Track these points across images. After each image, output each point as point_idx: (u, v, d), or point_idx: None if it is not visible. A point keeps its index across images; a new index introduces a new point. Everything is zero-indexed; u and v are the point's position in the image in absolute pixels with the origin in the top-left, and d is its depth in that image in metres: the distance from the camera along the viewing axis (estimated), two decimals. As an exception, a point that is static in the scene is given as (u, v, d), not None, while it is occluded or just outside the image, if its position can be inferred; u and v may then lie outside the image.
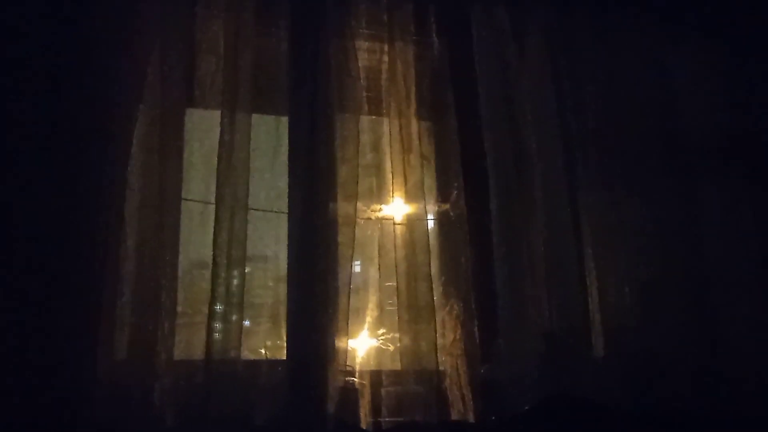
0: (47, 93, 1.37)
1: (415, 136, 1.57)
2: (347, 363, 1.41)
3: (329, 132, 1.50)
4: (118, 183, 1.38)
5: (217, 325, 1.37)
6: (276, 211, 1.50)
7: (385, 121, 1.59)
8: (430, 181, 1.59)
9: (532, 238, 1.57)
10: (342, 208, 1.48)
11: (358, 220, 1.50)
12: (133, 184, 1.40)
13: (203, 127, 1.51)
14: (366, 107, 1.59)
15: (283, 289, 1.45)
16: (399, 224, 1.54)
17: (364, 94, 1.58)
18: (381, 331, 1.51)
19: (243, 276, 1.40)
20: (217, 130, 1.46)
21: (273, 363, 1.42)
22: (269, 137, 1.54)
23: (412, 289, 1.49)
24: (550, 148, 1.62)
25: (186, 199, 1.45)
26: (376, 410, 1.41)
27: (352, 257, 1.45)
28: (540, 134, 1.63)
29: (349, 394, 1.39)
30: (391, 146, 1.56)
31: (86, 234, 1.33)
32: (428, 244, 1.51)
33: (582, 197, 1.62)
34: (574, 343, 1.50)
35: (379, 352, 1.50)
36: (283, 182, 1.50)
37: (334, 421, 1.35)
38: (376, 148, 1.60)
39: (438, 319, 1.47)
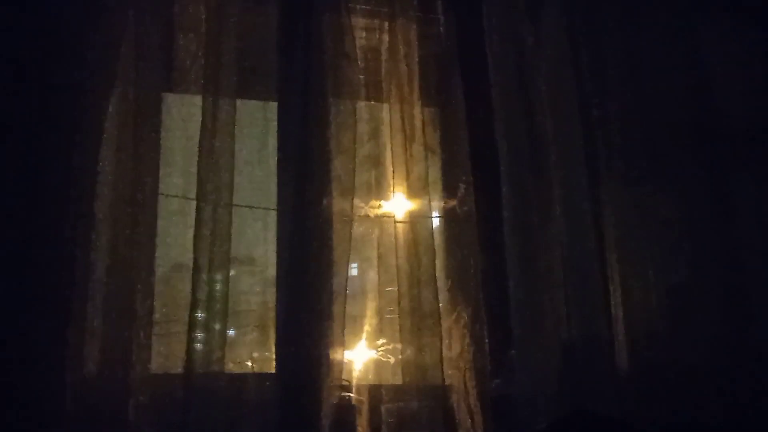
0: (6, 78, 1.35)
1: (418, 124, 1.56)
2: (343, 377, 1.41)
3: (323, 120, 1.48)
4: (88, 177, 1.37)
5: (199, 335, 1.36)
6: (264, 208, 1.49)
7: (385, 107, 1.58)
8: (435, 175, 1.58)
9: (549, 238, 1.56)
10: (337, 204, 1.46)
11: (355, 217, 1.49)
12: (105, 178, 1.39)
13: (183, 115, 1.50)
14: (364, 92, 1.58)
15: (271, 295, 1.45)
16: (400, 222, 1.53)
17: (362, 77, 1.57)
18: (380, 341, 1.50)
19: (227, 280, 1.39)
20: (198, 117, 1.44)
21: (260, 377, 1.41)
22: (256, 125, 1.53)
23: (415, 294, 1.47)
24: (570, 138, 1.60)
25: (163, 195, 1.44)
26: (375, 429, 1.41)
27: (348, 259, 1.44)
28: (558, 123, 1.61)
29: (346, 411, 1.38)
30: (391, 135, 1.55)
31: (52, 234, 1.31)
32: (433, 245, 1.49)
33: (605, 192, 1.60)
34: (595, 355, 1.49)
35: (379, 364, 1.50)
36: (271, 175, 1.49)
37: (328, 440, 1.35)
38: (375, 137, 1.59)
39: (444, 328, 1.46)
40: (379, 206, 1.56)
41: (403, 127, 1.55)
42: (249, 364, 1.45)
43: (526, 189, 1.57)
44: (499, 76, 1.61)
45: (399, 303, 1.47)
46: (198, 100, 1.46)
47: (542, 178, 1.59)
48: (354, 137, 1.50)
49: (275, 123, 1.52)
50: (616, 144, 1.62)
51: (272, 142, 1.51)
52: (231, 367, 1.40)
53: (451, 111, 1.60)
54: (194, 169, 1.42)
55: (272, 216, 1.48)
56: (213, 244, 1.40)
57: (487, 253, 1.54)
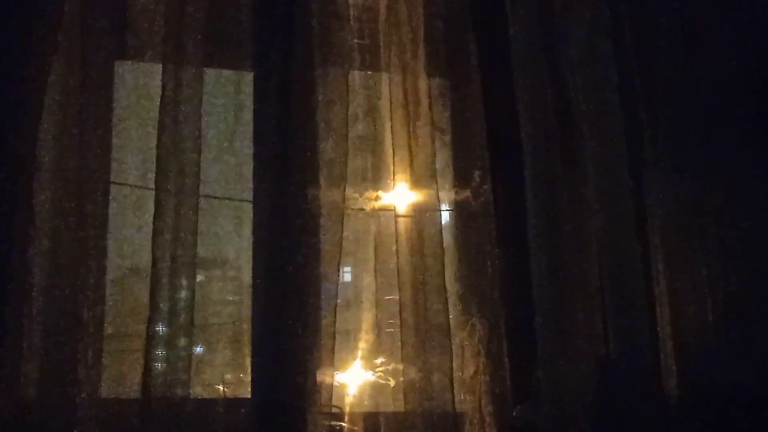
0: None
1: (424, 98, 1.54)
2: (333, 403, 1.40)
3: (308, 94, 1.47)
4: (26, 162, 1.34)
5: (159, 352, 1.33)
6: (237, 200, 1.47)
7: (384, 77, 1.56)
8: (444, 160, 1.57)
9: (583, 237, 1.53)
10: (326, 195, 1.45)
11: (348, 211, 1.47)
12: (46, 163, 1.37)
13: (139, 88, 1.48)
14: (358, 59, 1.55)
15: (247, 304, 1.43)
16: (402, 217, 1.51)
17: (356, 42, 1.55)
18: (378, 360, 1.49)
19: (193, 286, 1.37)
20: (158, 90, 1.42)
21: (234, 403, 1.40)
22: (228, 100, 1.51)
23: (421, 303, 1.46)
24: (607, 119, 1.56)
25: (116, 183, 1.43)
26: (371, 465, 1.43)
27: (339, 261, 1.42)
28: (593, 100, 1.57)
29: (336, 444, 1.40)
30: (392, 112, 1.53)
31: (-18, 231, 1.32)
32: (442, 244, 1.47)
33: (649, 185, 1.60)
34: (638, 378, 1.46)
35: (376, 388, 1.49)
36: (246, 160, 1.47)
37: (316, 479, 1.37)
38: (372, 114, 1.56)
39: (455, 343, 1.46)
40: (377, 198, 1.54)
41: (405, 103, 1.53)
42: (220, 387, 1.44)
43: (555, 177, 1.54)
44: (521, 41, 1.59)
45: (401, 314, 1.46)
46: (157, 69, 1.44)
47: (574, 166, 1.56)
48: (346, 114, 1.48)
49: (251, 97, 1.50)
50: (664, 127, 1.61)
51: (247, 120, 1.50)
52: (198, 391, 1.39)
53: (463, 83, 1.59)
54: (153, 153, 1.39)
55: (247, 209, 1.46)
56: (176, 242, 1.37)
57: (507, 254, 1.53)
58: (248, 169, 1.46)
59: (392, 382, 1.47)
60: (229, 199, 1.48)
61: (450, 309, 1.45)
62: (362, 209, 1.53)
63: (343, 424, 1.41)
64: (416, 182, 1.52)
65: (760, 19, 1.67)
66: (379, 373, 1.48)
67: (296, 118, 1.45)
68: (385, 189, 1.55)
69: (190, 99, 1.43)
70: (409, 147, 1.52)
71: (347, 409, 1.43)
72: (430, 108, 1.54)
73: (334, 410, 1.39)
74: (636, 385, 1.45)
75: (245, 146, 1.48)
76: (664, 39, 1.64)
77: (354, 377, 1.47)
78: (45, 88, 1.37)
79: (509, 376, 1.46)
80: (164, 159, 1.39)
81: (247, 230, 1.45)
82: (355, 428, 1.41)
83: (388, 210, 1.53)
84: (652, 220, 1.58)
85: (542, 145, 1.54)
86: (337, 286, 1.41)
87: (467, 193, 1.56)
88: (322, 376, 1.37)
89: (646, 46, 1.64)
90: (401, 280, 1.46)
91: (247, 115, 1.50)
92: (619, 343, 1.47)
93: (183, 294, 1.36)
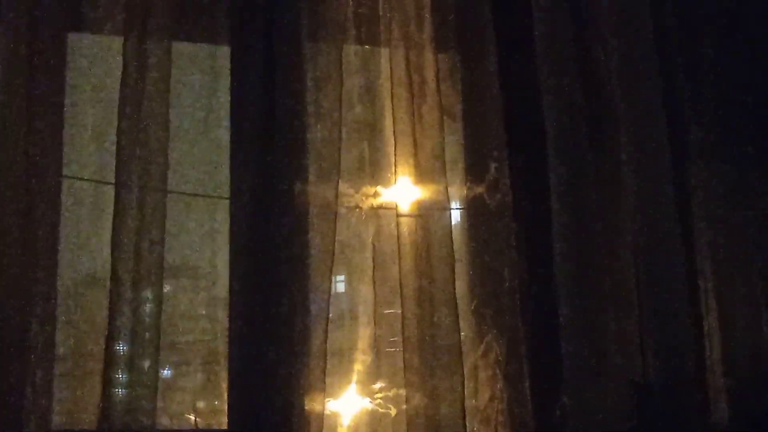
0: None
1: (430, 77, 1.51)
2: None
3: (295, 72, 1.44)
4: None
5: (120, 376, 1.31)
6: (212, 196, 1.46)
7: (384, 53, 1.54)
8: (454, 149, 1.55)
9: (617, 239, 1.52)
10: (316, 190, 1.43)
11: (342, 209, 1.45)
12: None
13: (96, 64, 1.46)
14: (353, 32, 1.54)
15: (223, 320, 1.41)
16: (405, 216, 1.48)
17: (351, 11, 1.54)
18: (377, 384, 1.46)
19: (160, 298, 1.36)
20: (118, 67, 1.40)
21: None
22: (201, 79, 1.50)
23: (427, 318, 1.43)
24: (645, 101, 1.55)
25: (69, 177, 1.42)
26: (370, 507, 1.43)
27: (331, 268, 1.39)
28: (629, 79, 1.55)
29: (329, 482, 1.39)
30: (393, 93, 1.49)
31: None
32: (452, 249, 1.45)
33: (694, 178, 1.58)
34: (681, 402, 1.45)
35: (375, 417, 1.47)
36: (222, 150, 1.46)
37: None
38: (370, 96, 1.55)
39: (467, 365, 1.43)
40: (376, 194, 1.52)
41: (409, 82, 1.51)
42: (191, 417, 1.43)
43: (584, 170, 1.53)
44: (546, 10, 1.57)
45: (403, 331, 1.43)
46: (118, 43, 1.42)
47: (607, 156, 1.56)
48: (339, 96, 1.46)
49: (227, 76, 1.47)
50: (712, 110, 1.60)
51: (223, 103, 1.48)
52: (166, 421, 1.39)
53: (477, 59, 1.57)
54: (113, 141, 1.38)
55: (224, 207, 1.44)
56: (140, 246, 1.35)
57: (528, 261, 1.51)
58: (225, 160, 1.45)
59: (393, 411, 1.46)
60: (202, 195, 1.47)
61: (461, 325, 1.43)
62: (358, 207, 1.51)
63: (337, 460, 1.41)
64: (421, 176, 1.50)
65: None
66: (378, 400, 1.47)
67: (281, 101, 1.43)
68: (385, 184, 1.54)
69: (156, 78, 1.41)
70: (413, 134, 1.50)
71: (342, 442, 1.41)
72: (437, 88, 1.52)
73: (326, 443, 1.36)
74: (679, 411, 1.45)
75: (221, 133, 1.48)
76: (712, 5, 1.63)
77: (349, 405, 1.46)
78: (-16, 65, 1.38)
79: (531, 403, 1.45)
80: (126, 149, 1.37)
81: (224, 232, 1.44)
82: (350, 464, 1.41)
83: (389, 208, 1.51)
84: (699, 218, 1.58)
85: (569, 132, 1.53)
86: (328, 298, 1.38)
87: (481, 188, 1.54)
88: (311, 404, 1.35)
89: (691, 16, 1.62)
90: (404, 291, 1.44)
91: (223, 97, 1.48)
92: (659, 363, 1.46)
93: (148, 307, 1.35)
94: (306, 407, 1.33)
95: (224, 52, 1.49)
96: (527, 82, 1.56)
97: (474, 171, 1.55)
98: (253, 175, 1.41)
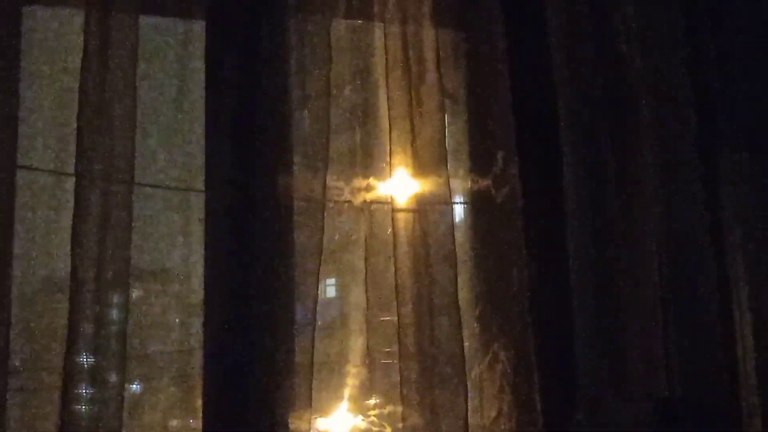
0: None
1: (430, 56, 1.50)
2: None
3: (278, 49, 1.43)
4: None
5: (83, 391, 1.29)
6: (185, 189, 1.45)
7: (378, 29, 1.53)
8: (457, 137, 1.55)
9: (639, 239, 1.50)
10: (302, 183, 1.42)
11: (331, 204, 1.46)
12: None
13: (55, 42, 1.44)
14: (344, 5, 1.53)
15: (198, 328, 1.39)
16: (402, 212, 1.47)
17: None
18: (371, 401, 1.46)
19: (127, 304, 1.34)
20: (78, 44, 1.37)
21: None
22: (172, 59, 1.48)
23: (426, 326, 1.43)
24: (671, 84, 1.54)
25: (24, 168, 1.39)
26: None
27: (318, 270, 1.38)
28: (653, 59, 1.55)
29: None
30: (388, 74, 1.48)
31: None
32: (454, 248, 1.44)
33: (726, 170, 1.58)
34: (710, 420, 1.45)
35: None
36: (196, 138, 1.45)
37: None
38: (363, 77, 1.53)
39: (471, 378, 1.43)
40: (369, 187, 1.51)
41: (406, 61, 1.49)
42: None
43: (602, 160, 1.52)
44: None
45: (399, 340, 1.42)
46: (79, 17, 1.40)
47: (627, 145, 1.54)
48: (328, 77, 1.45)
49: (202, 55, 1.46)
50: (744, 96, 1.60)
51: (198, 84, 1.46)
52: None
53: (483, 35, 1.56)
54: (73, 128, 1.35)
55: (198, 202, 1.43)
56: (104, 246, 1.33)
57: (539, 262, 1.50)
58: (199, 150, 1.44)
59: (389, 430, 1.45)
60: (174, 188, 1.46)
61: (464, 333, 1.43)
62: (349, 202, 1.50)
63: (325, 484, 1.40)
64: (420, 166, 1.49)
65: None
66: (372, 418, 1.46)
67: (262, 83, 1.42)
68: (380, 176, 1.52)
69: (121, 57, 1.38)
70: (411, 120, 1.49)
71: (331, 465, 1.41)
72: (438, 68, 1.51)
73: (313, 466, 1.37)
74: (707, 426, 1.45)
75: (195, 119, 1.46)
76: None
77: (339, 423, 1.46)
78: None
79: (542, 420, 1.44)
80: (87, 136, 1.35)
81: (198, 230, 1.43)
82: (341, 489, 1.40)
83: (384, 203, 1.50)
84: (731, 218, 1.59)
85: (586, 117, 1.53)
86: (315, 304, 1.38)
87: (487, 180, 1.53)
88: (297, 422, 1.34)
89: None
90: (400, 296, 1.43)
91: (198, 78, 1.46)
92: (685, 377, 1.46)
93: (113, 314, 1.34)
94: (291, 426, 1.33)
95: (198, 27, 1.48)
96: (539, 61, 1.55)
97: (479, 161, 1.54)
98: (230, 166, 1.40)
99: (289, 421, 1.33)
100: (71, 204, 1.32)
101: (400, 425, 1.41)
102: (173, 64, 1.49)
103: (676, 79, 1.56)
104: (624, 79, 1.57)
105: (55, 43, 1.45)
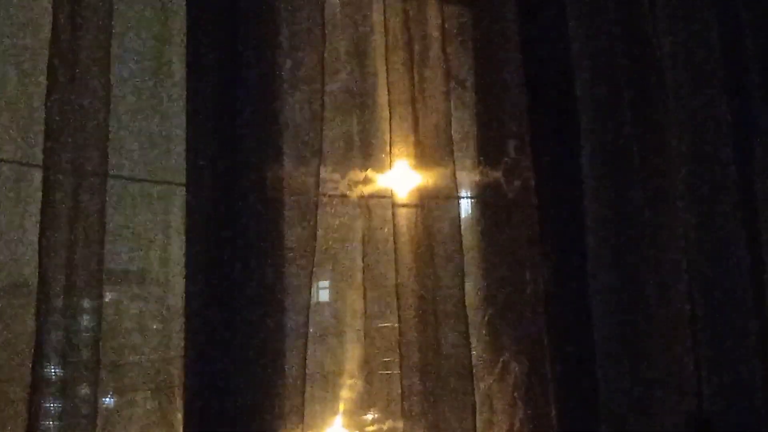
0: None
1: (435, 34, 1.49)
2: None
3: (265, 27, 1.40)
4: None
5: (51, 405, 1.26)
6: (164, 182, 1.42)
7: (378, 3, 1.52)
8: (464, 125, 1.54)
9: (666, 238, 1.50)
10: (292, 175, 1.39)
11: (325, 199, 1.44)
12: None
13: (17, 15, 1.39)
14: None
15: (178, 336, 1.36)
16: (404, 207, 1.47)
17: None
18: (369, 415, 1.46)
19: (100, 310, 1.31)
20: (47, 20, 1.32)
21: None
22: (150, 36, 1.45)
23: (430, 333, 1.42)
24: (702, 64, 1.54)
25: None
26: None
27: (311, 272, 1.36)
28: (682, 37, 1.56)
29: None
30: (387, 53, 1.47)
31: None
32: (460, 247, 1.44)
33: (763, 160, 1.58)
34: None
35: None
36: (175, 125, 1.41)
37: None
38: (360, 57, 1.52)
39: (479, 391, 1.44)
40: (367, 180, 1.50)
41: (408, 40, 1.48)
42: None
43: (625, 150, 1.50)
44: None
45: (400, 349, 1.41)
46: None
47: (653, 133, 1.53)
48: (321, 57, 1.42)
49: (182, 31, 1.40)
50: None
51: (177, 65, 1.42)
52: None
53: (493, 11, 1.56)
54: (40, 114, 1.31)
55: (178, 197, 1.40)
56: (74, 245, 1.29)
57: (554, 262, 1.50)
58: (179, 138, 1.39)
59: None
60: (151, 181, 1.42)
61: (472, 341, 1.43)
62: (345, 196, 1.49)
63: None
64: (423, 157, 1.49)
65: None
66: None
67: (248, 64, 1.38)
68: (379, 167, 1.51)
69: (91, 32, 1.33)
70: (413, 105, 1.49)
71: (326, 486, 1.40)
72: (443, 48, 1.50)
73: (306, 487, 1.35)
74: None
75: (175, 104, 1.42)
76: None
77: None
78: None
79: None
80: (56, 122, 1.30)
81: (178, 228, 1.39)
82: None
83: (383, 197, 1.49)
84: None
85: (607, 102, 1.53)
86: (308, 309, 1.34)
87: (497, 172, 1.52)
88: None
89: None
90: (401, 300, 1.43)
91: (177, 59, 1.42)
92: (718, 391, 1.46)
93: (85, 320, 1.30)
94: (280, 441, 1.32)
95: (178, 1, 1.43)
96: (554, 39, 1.55)
97: (488, 151, 1.55)
98: (214, 156, 1.35)
99: (280, 435, 1.31)
100: (38, 198, 1.29)
101: (400, 442, 1.40)
102: (152, 43, 1.46)
103: (708, 59, 1.53)
104: (649, 60, 1.56)
105: (18, 15, 1.40)
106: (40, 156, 1.30)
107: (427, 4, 1.51)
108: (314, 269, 1.37)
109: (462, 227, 1.46)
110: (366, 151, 1.52)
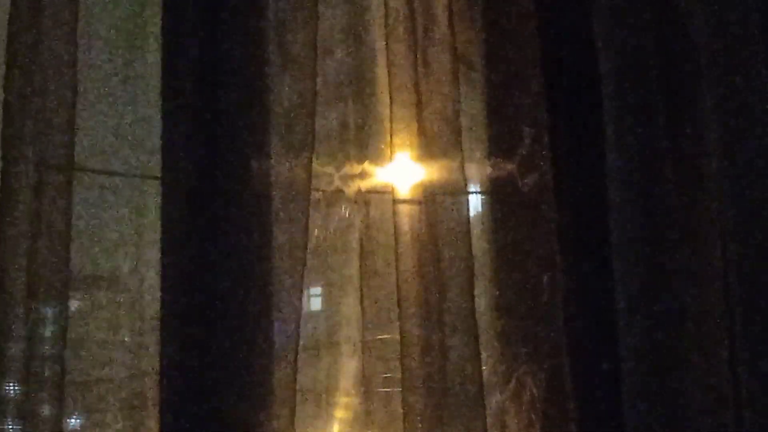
0: None
1: (440, 9, 1.48)
2: None
3: (253, 3, 1.39)
4: None
5: (10, 426, 1.27)
6: (137, 176, 1.42)
7: None
8: (474, 112, 1.52)
9: (701, 240, 1.47)
10: (282, 168, 1.39)
11: (318, 194, 1.44)
12: None
13: None
14: None
15: (153, 347, 1.35)
16: (406, 203, 1.46)
17: None
18: None
19: (65, 318, 1.31)
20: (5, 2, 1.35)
21: None
22: (122, 17, 1.45)
23: (435, 345, 1.41)
24: (742, 45, 1.48)
25: None
26: None
27: (302, 275, 1.35)
28: (717, 16, 1.48)
29: None
30: (388, 33, 1.46)
31: None
32: (470, 248, 1.43)
33: None
34: None
35: None
36: (151, 114, 1.40)
37: None
38: (356, 36, 1.52)
39: (491, 408, 1.43)
40: (364, 173, 1.49)
41: (410, 17, 1.47)
42: None
43: (655, 140, 1.46)
44: None
45: (402, 362, 1.39)
46: None
47: (686, 122, 1.49)
48: (314, 36, 1.40)
49: (158, 11, 1.40)
50: None
51: (152, 47, 1.43)
52: None
53: None
54: None
55: (152, 192, 1.39)
56: (36, 246, 1.30)
57: (574, 265, 1.47)
58: (154, 127, 1.38)
59: None
60: (122, 174, 1.42)
61: (483, 354, 1.40)
62: (340, 191, 1.48)
63: None
64: (428, 148, 1.46)
65: None
66: None
67: (231, 44, 1.36)
68: (378, 159, 1.49)
69: (60, 14, 1.34)
70: (417, 90, 1.46)
71: None
72: (450, 25, 1.48)
73: None
74: None
75: (149, 89, 1.42)
76: None
77: None
78: None
79: None
80: (16, 108, 1.31)
81: (153, 227, 1.37)
82: None
83: (383, 192, 1.47)
84: None
85: (634, 87, 1.47)
86: (299, 318, 1.33)
87: (511, 165, 1.50)
88: None
89: None
90: (403, 308, 1.40)
91: (153, 38, 1.42)
92: (759, 412, 1.39)
93: (48, 330, 1.30)
94: (269, 462, 1.32)
95: None
96: (574, 16, 1.51)
97: (501, 141, 1.53)
98: (192, 147, 1.35)
99: (267, 459, 1.32)
100: (-5, 195, 1.33)
101: (402, 464, 1.42)
102: (125, 23, 1.46)
103: (749, 42, 1.48)
104: (680, 39, 1.51)
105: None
106: (-2, 148, 1.33)
107: (432, -19, 1.51)
108: (306, 273, 1.36)
109: (471, 226, 1.44)
110: (363, 141, 1.51)
